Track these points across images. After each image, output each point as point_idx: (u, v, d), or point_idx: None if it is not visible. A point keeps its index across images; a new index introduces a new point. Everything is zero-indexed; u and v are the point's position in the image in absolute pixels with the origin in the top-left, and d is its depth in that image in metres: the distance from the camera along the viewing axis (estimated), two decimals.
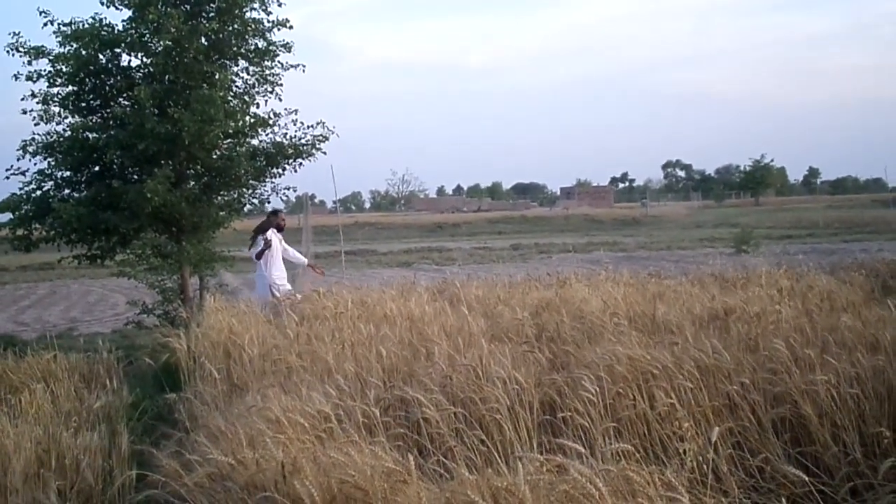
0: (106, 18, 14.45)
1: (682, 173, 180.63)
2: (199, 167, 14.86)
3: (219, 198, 15.33)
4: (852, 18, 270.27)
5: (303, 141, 15.01)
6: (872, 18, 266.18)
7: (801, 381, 5.60)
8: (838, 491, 4.84)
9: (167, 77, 14.23)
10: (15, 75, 14.15)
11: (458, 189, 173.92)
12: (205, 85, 14.06)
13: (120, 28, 14.37)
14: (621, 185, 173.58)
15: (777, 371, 5.88)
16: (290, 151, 14.98)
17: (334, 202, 55.72)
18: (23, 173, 14.34)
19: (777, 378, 5.80)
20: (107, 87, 14.58)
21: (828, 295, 9.95)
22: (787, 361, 5.93)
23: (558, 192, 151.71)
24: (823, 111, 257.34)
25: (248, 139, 15.10)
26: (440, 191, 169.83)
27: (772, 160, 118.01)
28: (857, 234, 45.68)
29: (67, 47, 14.09)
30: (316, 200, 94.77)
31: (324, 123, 15.10)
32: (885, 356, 6.06)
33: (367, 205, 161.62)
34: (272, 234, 14.54)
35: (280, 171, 15.29)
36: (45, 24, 14.14)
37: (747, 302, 8.95)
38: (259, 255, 14.36)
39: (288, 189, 16.22)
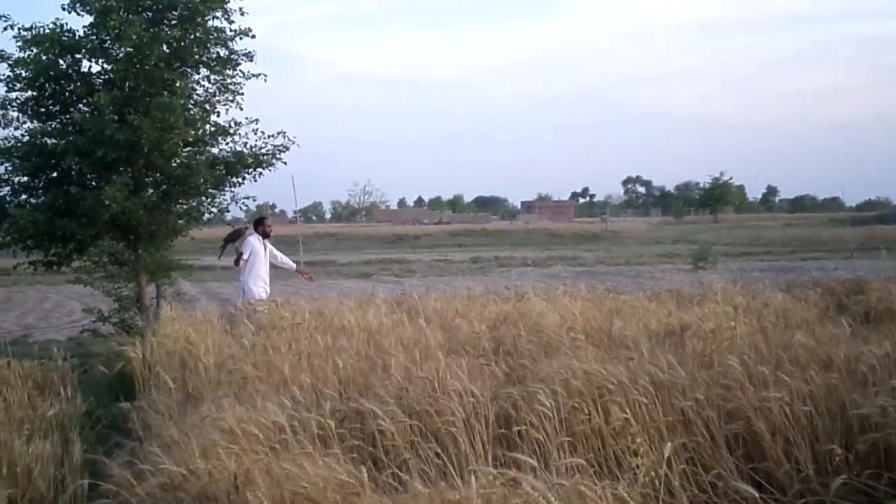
0: (67, 24, 14.35)
1: (642, 189, 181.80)
2: (157, 175, 14.75)
3: (177, 206, 15.23)
4: (812, 40, 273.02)
5: (263, 150, 14.96)
6: (831, 40, 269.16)
7: (755, 398, 5.63)
8: None
9: (127, 84, 14.15)
10: None
11: (420, 201, 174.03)
12: (165, 92, 13.98)
13: (81, 34, 14.26)
14: (582, 200, 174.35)
15: (731, 387, 5.91)
16: (250, 160, 14.92)
17: (295, 212, 55.68)
18: None
19: (731, 394, 5.83)
20: (66, 93, 14.48)
21: (783, 312, 10.04)
22: (741, 378, 5.96)
23: (519, 206, 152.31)
24: (783, 130, 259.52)
25: (207, 147, 15.02)
26: (401, 202, 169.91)
27: (731, 178, 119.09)
28: (813, 253, 46.06)
29: (27, 52, 13.96)
30: (276, 210, 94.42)
31: (284, 133, 15.07)
32: (837, 374, 6.11)
33: (328, 215, 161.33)
34: (257, 240, 14.49)
35: (240, 180, 15.22)
36: (5, 29, 14.01)
37: (703, 318, 9.00)
38: (237, 262, 14.37)
39: (247, 198, 16.17)
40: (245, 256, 14.25)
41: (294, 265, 15.68)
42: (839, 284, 13.36)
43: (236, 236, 14.71)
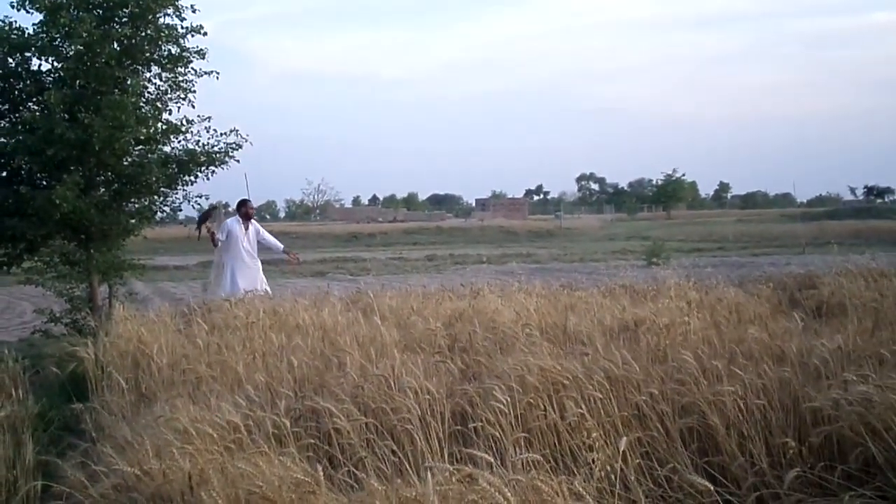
0: (16, 22, 14.18)
1: (595, 186, 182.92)
2: (109, 174, 14.61)
3: (129, 205, 15.11)
4: (762, 37, 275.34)
5: (215, 148, 14.86)
6: (781, 37, 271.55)
7: (709, 392, 5.65)
8: (745, 501, 4.90)
9: (78, 82, 14.00)
10: None
11: (374, 199, 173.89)
12: (116, 90, 13.86)
13: (31, 32, 14.08)
14: (536, 198, 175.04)
15: (685, 382, 5.94)
16: (203, 159, 14.81)
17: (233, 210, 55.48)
18: None
19: (685, 389, 5.86)
20: (16, 92, 14.32)
21: (736, 307, 10.10)
22: (694, 372, 5.99)
23: (474, 204, 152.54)
24: (735, 127, 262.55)
25: (159, 146, 14.90)
26: (356, 201, 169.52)
27: (683, 174, 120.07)
28: (766, 248, 46.54)
29: None
30: (230, 209, 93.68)
31: (237, 131, 14.98)
32: (790, 368, 6.16)
33: (282, 214, 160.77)
34: (236, 223, 14.99)
35: (192, 178, 15.11)
36: None
37: (657, 314, 9.03)
38: (215, 243, 14.91)
39: (200, 197, 16.02)
40: (221, 237, 14.74)
41: (281, 246, 16.04)
42: (791, 279, 13.47)
43: (206, 217, 15.22)
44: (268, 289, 14.84)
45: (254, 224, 15.41)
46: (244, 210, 15.38)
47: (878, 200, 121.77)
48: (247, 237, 15.12)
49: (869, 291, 10.74)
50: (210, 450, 5.17)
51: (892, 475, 4.78)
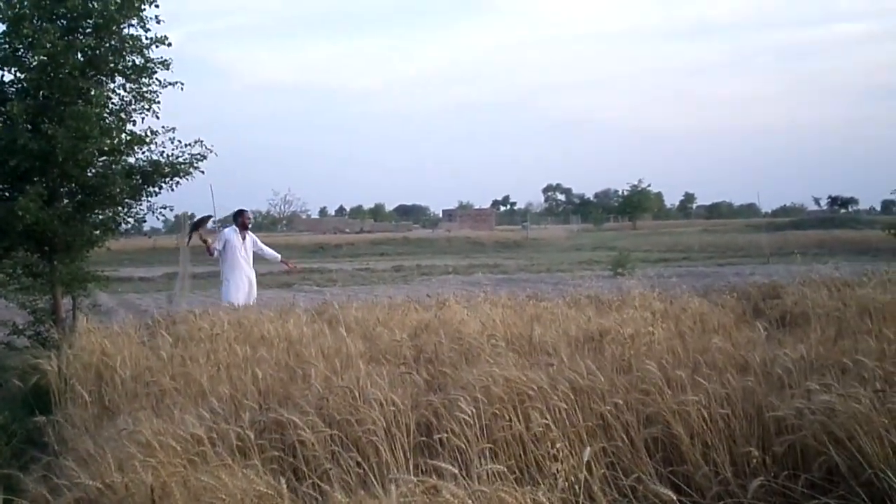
0: None
1: (562, 197, 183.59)
2: (73, 185, 14.49)
3: (93, 216, 14.98)
4: (730, 49, 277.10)
5: (180, 159, 14.78)
6: (749, 49, 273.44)
7: (673, 402, 5.67)
8: None
9: (41, 93, 13.88)
10: None
11: (341, 210, 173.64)
12: (80, 101, 13.75)
13: None
14: (503, 208, 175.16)
15: (649, 392, 5.96)
16: (167, 170, 14.72)
17: (214, 222, 55.22)
18: None
19: (649, 398, 5.88)
20: None
21: (700, 317, 10.15)
22: (659, 382, 6.01)
23: (441, 215, 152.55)
24: (700, 138, 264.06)
25: (124, 157, 14.79)
26: (322, 212, 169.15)
27: (649, 185, 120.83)
28: (730, 258, 46.75)
29: None
30: (195, 220, 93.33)
31: (202, 142, 14.89)
32: (754, 377, 6.20)
33: (249, 225, 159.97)
34: (233, 232, 15.25)
35: (157, 189, 15.02)
36: None
37: (622, 324, 9.07)
38: (210, 252, 15.14)
39: (165, 208, 15.91)
40: (218, 247, 15.02)
41: (279, 256, 16.44)
42: (755, 289, 13.54)
43: (199, 224, 15.56)
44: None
45: (250, 234, 15.66)
46: (241, 220, 15.65)
47: (842, 210, 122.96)
48: (244, 247, 15.35)
49: (832, 301, 10.83)
50: (173, 463, 5.14)
51: (855, 483, 4.81)
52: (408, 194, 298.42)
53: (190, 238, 15.39)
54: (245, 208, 16.11)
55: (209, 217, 16.80)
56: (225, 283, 15.43)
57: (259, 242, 15.86)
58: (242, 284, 15.16)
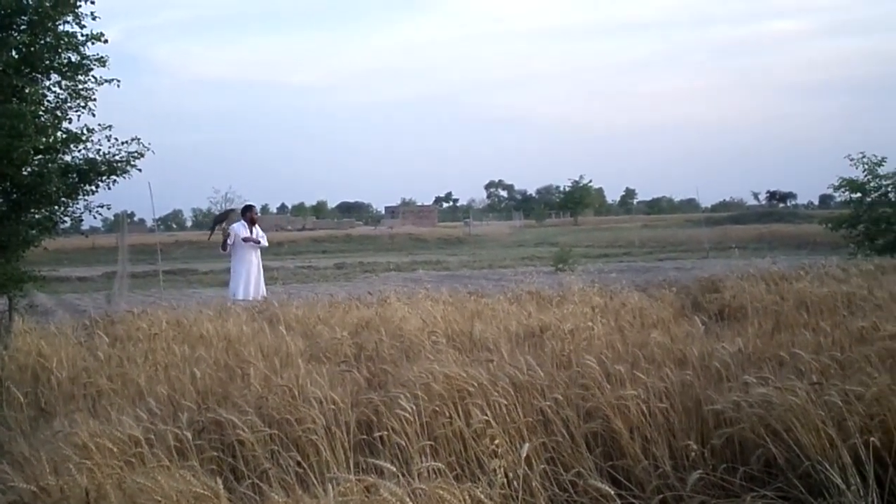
0: None
1: (504, 193, 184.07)
2: (7, 184, 14.32)
3: (29, 216, 14.81)
4: (664, 46, 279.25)
5: (117, 157, 14.66)
6: (686, 45, 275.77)
7: (612, 397, 5.69)
8: (649, 503, 4.95)
9: None
10: None
11: (283, 207, 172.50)
12: (14, 99, 13.60)
13: None
14: (445, 205, 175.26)
15: (589, 387, 5.97)
16: (104, 168, 14.61)
17: (154, 220, 54.40)
18: None
19: (589, 393, 5.89)
20: None
21: (640, 312, 10.21)
22: (598, 377, 6.03)
23: (383, 212, 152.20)
24: (640, 134, 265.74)
25: (59, 155, 14.66)
26: (264, 209, 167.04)
27: (590, 181, 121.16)
28: (670, 253, 47.16)
29: None
30: (135, 219, 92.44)
31: (139, 140, 14.81)
32: (692, 371, 6.25)
33: (189, 223, 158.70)
34: (243, 227, 15.89)
35: (93, 188, 14.88)
36: None
37: (562, 319, 9.10)
38: (224, 247, 15.78)
39: (102, 207, 15.78)
40: (230, 241, 15.69)
41: (266, 244, 16.84)
42: (695, 283, 13.67)
43: (222, 218, 16.47)
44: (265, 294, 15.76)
45: (257, 228, 16.27)
46: (249, 215, 16.27)
47: (781, 205, 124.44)
48: (252, 238, 15.93)
49: (770, 295, 10.96)
50: (109, 464, 5.08)
51: (793, 476, 4.85)
52: (350, 191, 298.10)
53: (213, 231, 15.79)
54: (253, 203, 16.81)
55: (232, 210, 17.36)
56: (234, 276, 16.00)
57: (265, 238, 16.53)
58: (252, 278, 15.83)
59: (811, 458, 4.79)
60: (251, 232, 16.04)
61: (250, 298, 14.62)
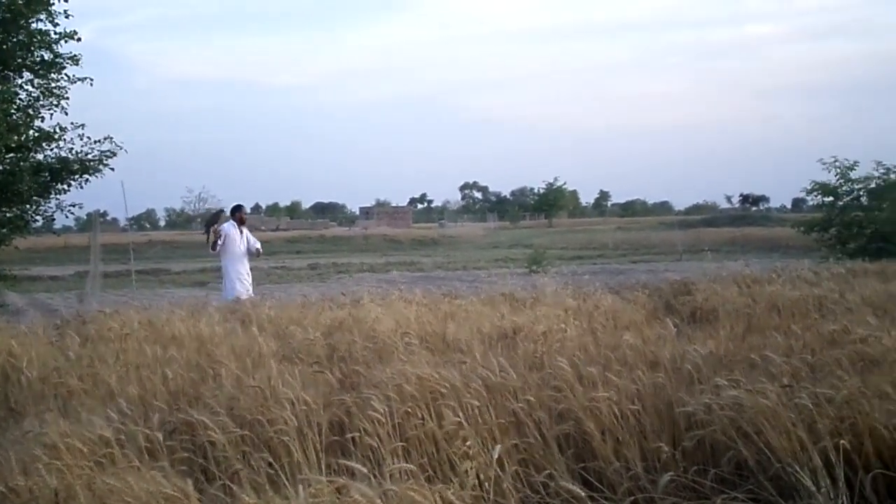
0: None
1: (479, 195, 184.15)
2: None
3: (0, 214, 14.73)
4: (640, 48, 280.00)
5: (89, 156, 14.60)
6: (659, 49, 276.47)
7: (585, 399, 5.70)
8: None
9: None
10: None
11: (257, 207, 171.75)
12: None
13: None
14: (420, 206, 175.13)
15: (561, 388, 5.98)
16: (76, 167, 14.57)
17: (127, 220, 54.11)
18: None
19: (561, 395, 5.90)
20: None
21: (612, 314, 10.23)
22: (571, 379, 6.04)
23: (358, 212, 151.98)
24: (614, 136, 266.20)
25: (31, 154, 14.59)
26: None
27: (565, 183, 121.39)
28: (644, 255, 47.46)
29: None
30: (108, 218, 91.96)
31: (112, 139, 14.78)
32: (664, 373, 6.26)
33: (163, 223, 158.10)
34: (232, 227, 15.96)
35: (66, 187, 14.83)
36: None
37: (535, 321, 9.11)
38: (214, 247, 15.79)
39: (74, 206, 15.73)
40: (220, 241, 15.73)
41: (260, 247, 16.92)
42: (667, 286, 13.71)
43: (214, 220, 16.50)
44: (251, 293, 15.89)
45: (246, 230, 16.36)
46: (238, 215, 16.39)
47: (753, 208, 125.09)
48: (242, 241, 16.04)
49: (742, 297, 11.01)
50: (79, 465, 5.04)
51: (764, 478, 4.87)
52: (325, 192, 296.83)
53: (207, 232, 15.88)
54: (242, 203, 16.87)
55: (222, 211, 17.55)
56: (226, 276, 16.17)
57: (251, 237, 16.50)
58: (243, 277, 16.00)
59: (782, 460, 4.82)
60: (240, 232, 16.13)
61: (242, 298, 14.63)
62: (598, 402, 5.62)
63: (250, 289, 16.21)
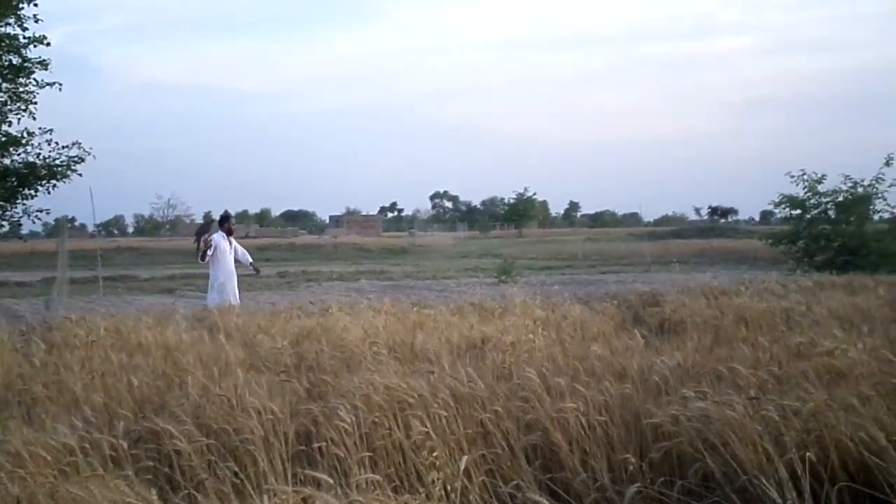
0: None
1: (449, 204, 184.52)
2: None
3: None
4: (610, 60, 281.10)
5: (57, 162, 14.50)
6: (629, 61, 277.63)
7: (552, 409, 5.69)
8: None
9: None
10: None
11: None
12: None
13: None
14: (390, 215, 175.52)
15: (529, 399, 5.98)
16: (44, 172, 14.45)
17: (95, 226, 53.82)
18: None
19: (529, 406, 5.89)
20: None
21: (581, 325, 10.24)
22: (538, 389, 6.03)
23: (328, 220, 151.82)
24: (585, 148, 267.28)
25: None
26: (207, 216, 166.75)
27: (535, 193, 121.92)
28: (613, 266, 47.47)
29: None
30: (76, 224, 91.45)
31: (80, 144, 14.72)
32: (631, 384, 6.27)
33: (131, 229, 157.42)
34: (221, 237, 16.06)
35: (33, 192, 14.72)
36: None
37: (503, 331, 9.11)
38: (203, 257, 15.81)
39: (41, 211, 15.62)
40: (209, 251, 15.79)
41: (250, 259, 17.18)
42: (636, 297, 13.74)
43: (205, 230, 16.60)
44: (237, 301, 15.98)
45: (234, 242, 16.54)
46: (227, 226, 16.51)
47: (722, 220, 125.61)
48: (231, 251, 16.21)
49: (709, 309, 11.06)
50: (43, 473, 4.99)
51: (730, 489, 4.88)
52: (294, 200, 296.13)
53: (199, 243, 15.93)
54: (230, 213, 17.03)
55: (213, 221, 17.69)
56: (215, 285, 16.12)
57: (239, 248, 16.70)
58: (231, 287, 16.04)
59: (748, 472, 4.82)
60: (229, 243, 16.28)
61: (223, 303, 14.69)
62: (566, 413, 5.62)
63: (237, 298, 16.17)
